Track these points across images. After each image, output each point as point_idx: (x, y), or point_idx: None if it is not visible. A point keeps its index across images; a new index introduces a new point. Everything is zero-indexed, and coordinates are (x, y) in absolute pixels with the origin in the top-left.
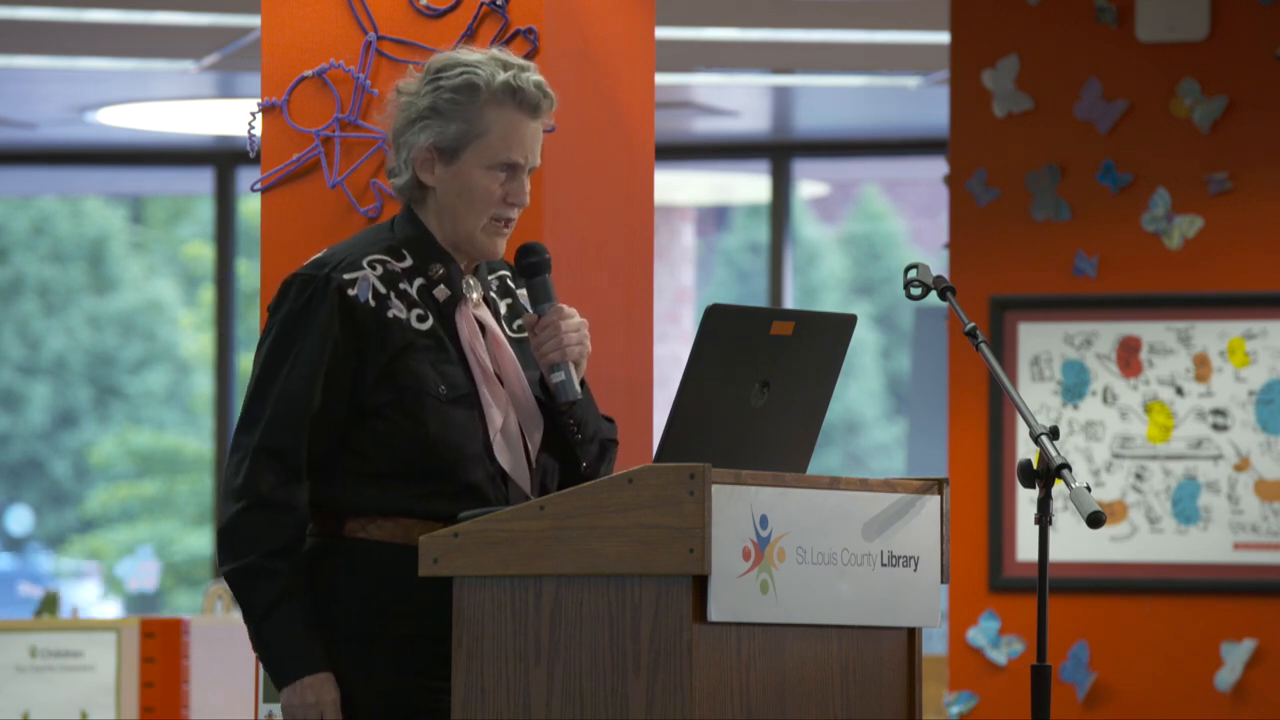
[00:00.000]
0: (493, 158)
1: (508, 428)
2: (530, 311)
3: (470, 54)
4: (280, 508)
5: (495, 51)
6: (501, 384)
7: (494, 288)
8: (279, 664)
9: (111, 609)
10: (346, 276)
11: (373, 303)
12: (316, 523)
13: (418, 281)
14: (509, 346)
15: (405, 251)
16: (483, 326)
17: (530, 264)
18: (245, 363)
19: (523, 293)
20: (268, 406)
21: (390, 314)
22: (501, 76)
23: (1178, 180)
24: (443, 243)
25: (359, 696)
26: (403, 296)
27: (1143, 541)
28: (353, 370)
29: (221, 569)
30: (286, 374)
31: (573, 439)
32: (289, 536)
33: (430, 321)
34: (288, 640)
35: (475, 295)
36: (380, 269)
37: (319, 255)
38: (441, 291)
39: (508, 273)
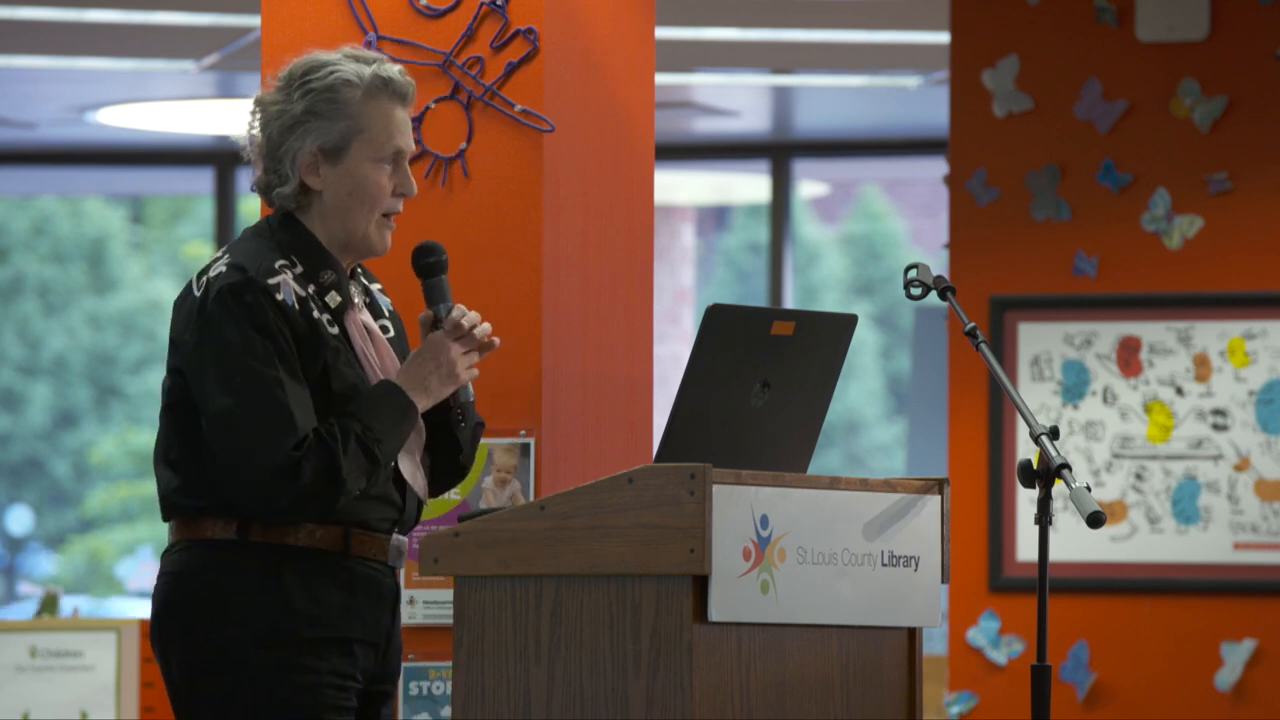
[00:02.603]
0: (379, 150)
1: None
2: (426, 309)
3: (326, 54)
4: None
5: (345, 49)
6: None
7: (367, 290)
8: (403, 410)
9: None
10: (270, 281)
11: (297, 306)
12: (221, 527)
13: (310, 288)
14: (391, 350)
15: (294, 257)
16: (369, 331)
17: (428, 264)
18: None
19: (376, 287)
20: (284, 403)
21: (315, 315)
22: (368, 70)
23: (1178, 180)
24: (329, 245)
25: (270, 699)
26: (314, 300)
27: (1143, 541)
28: (300, 369)
29: (321, 509)
30: (278, 377)
31: (458, 429)
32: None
33: (336, 327)
34: (378, 410)
35: (358, 299)
36: (289, 274)
37: (229, 261)
38: (333, 298)
39: (359, 268)
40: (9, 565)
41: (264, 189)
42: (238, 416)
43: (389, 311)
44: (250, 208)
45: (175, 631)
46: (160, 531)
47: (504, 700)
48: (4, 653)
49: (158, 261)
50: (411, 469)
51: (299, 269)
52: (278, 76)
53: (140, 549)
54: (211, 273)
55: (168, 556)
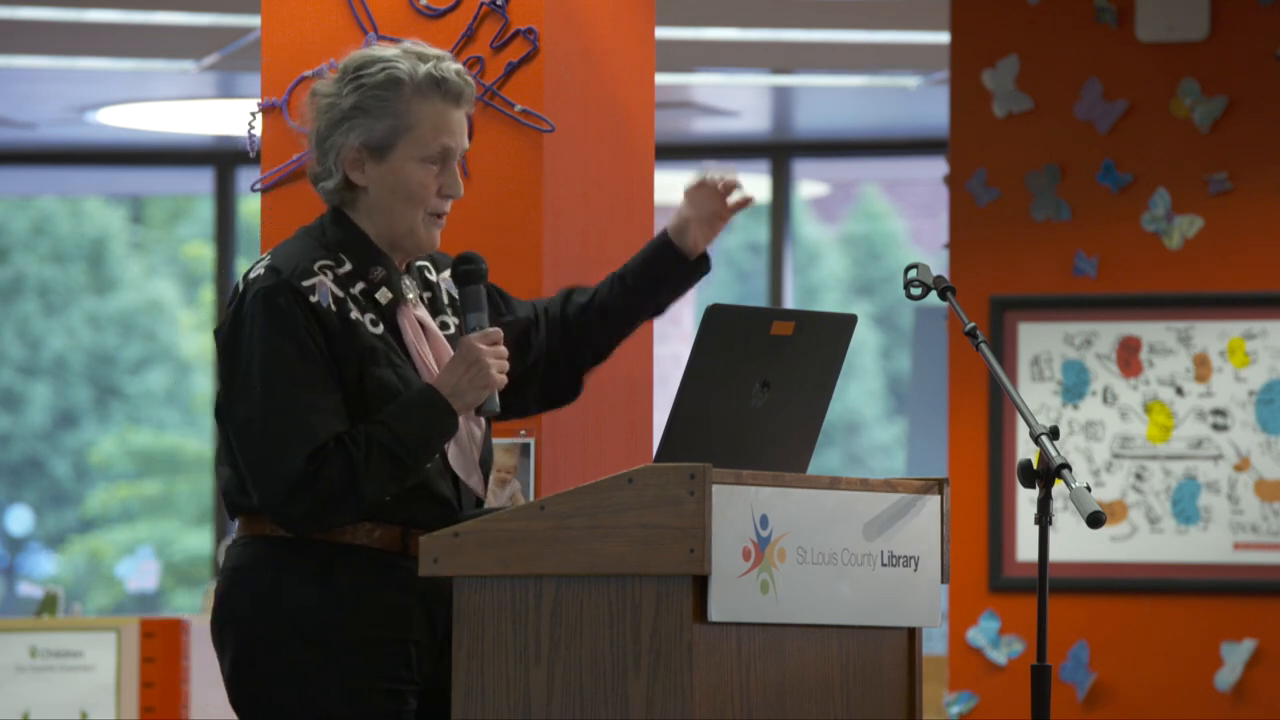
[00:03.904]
0: (425, 148)
1: (458, 436)
2: (463, 315)
3: (385, 49)
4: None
5: (408, 44)
6: None
7: (418, 282)
8: (438, 416)
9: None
10: (305, 283)
11: (333, 307)
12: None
13: (359, 286)
14: (447, 345)
15: (343, 255)
16: (424, 327)
17: (465, 272)
18: None
19: (441, 278)
20: (301, 412)
21: (352, 316)
22: (423, 69)
23: (1178, 180)
24: (378, 242)
25: (323, 698)
26: (354, 300)
27: (1143, 541)
28: (332, 374)
29: (338, 520)
30: (299, 386)
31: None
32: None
33: (381, 326)
34: (408, 416)
35: (412, 295)
36: (330, 274)
37: (267, 263)
38: (384, 294)
39: (428, 264)
40: (9, 565)
41: (313, 180)
42: (255, 427)
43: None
44: (250, 207)
45: (229, 624)
46: (160, 532)
47: (504, 700)
48: (4, 653)
49: (158, 261)
50: (467, 468)
51: (347, 267)
52: (336, 68)
53: (140, 549)
54: (252, 274)
55: (230, 551)
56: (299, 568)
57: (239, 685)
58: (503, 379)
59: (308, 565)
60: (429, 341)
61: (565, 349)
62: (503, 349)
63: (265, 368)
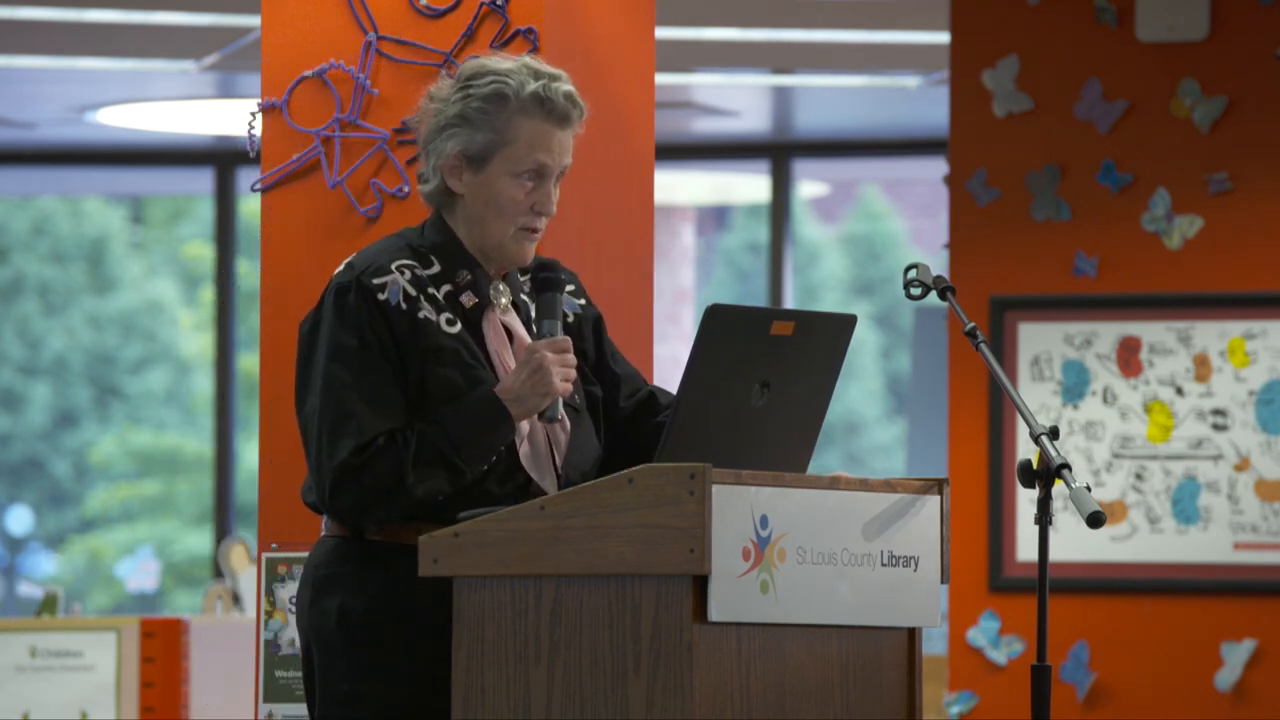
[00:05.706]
0: (519, 164)
1: (534, 435)
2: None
3: (502, 62)
4: (389, 476)
5: (527, 59)
6: None
7: (525, 289)
8: (494, 419)
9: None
10: (376, 281)
11: (403, 305)
12: (339, 525)
13: (445, 288)
14: None
15: (433, 258)
16: (510, 333)
17: (543, 279)
18: (245, 363)
19: (569, 288)
20: (353, 406)
21: (421, 315)
22: (531, 86)
23: (1178, 180)
24: (471, 249)
25: (362, 695)
26: (431, 300)
27: (1143, 541)
28: (394, 371)
29: (378, 517)
30: (355, 380)
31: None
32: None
33: (459, 326)
34: (464, 417)
35: (504, 300)
36: (408, 274)
37: (349, 260)
38: (469, 298)
39: (521, 271)
40: (9, 565)
41: (419, 180)
42: (314, 419)
43: (574, 315)
44: (250, 208)
45: (298, 618)
46: (160, 532)
47: (504, 700)
48: (4, 653)
49: (158, 261)
50: (540, 468)
51: (435, 268)
52: (453, 73)
53: (140, 549)
54: (337, 269)
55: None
56: (345, 566)
57: (304, 677)
58: (567, 387)
59: (353, 564)
60: (515, 348)
61: (636, 440)
62: (570, 357)
63: (328, 362)
